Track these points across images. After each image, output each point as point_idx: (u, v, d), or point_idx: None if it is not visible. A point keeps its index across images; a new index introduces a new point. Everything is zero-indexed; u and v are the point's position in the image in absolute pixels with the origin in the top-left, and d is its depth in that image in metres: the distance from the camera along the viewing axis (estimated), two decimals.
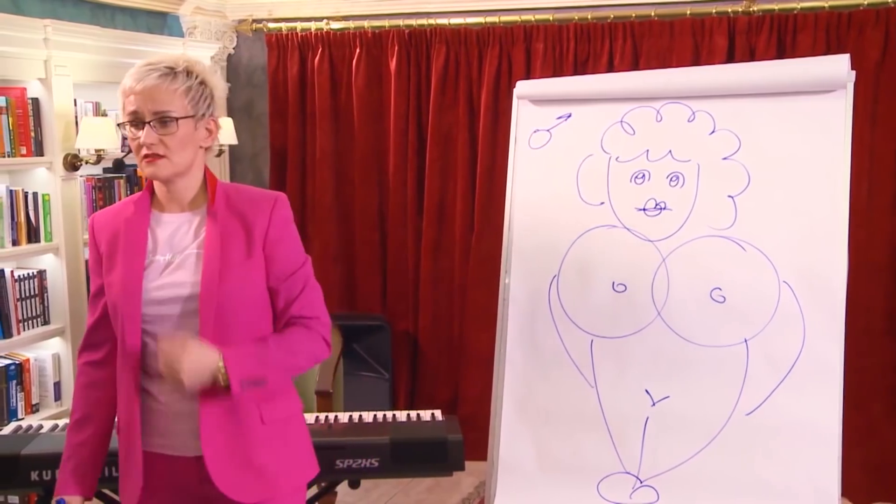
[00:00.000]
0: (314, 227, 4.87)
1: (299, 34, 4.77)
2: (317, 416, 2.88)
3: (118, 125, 1.98)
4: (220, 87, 2.02)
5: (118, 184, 4.13)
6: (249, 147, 5.08)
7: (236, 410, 1.95)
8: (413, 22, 4.61)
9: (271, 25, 4.84)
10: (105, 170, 4.13)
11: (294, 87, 4.81)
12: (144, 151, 1.91)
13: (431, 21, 4.59)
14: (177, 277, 1.95)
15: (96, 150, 3.82)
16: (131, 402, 1.96)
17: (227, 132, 4.51)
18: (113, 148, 3.91)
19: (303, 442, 2.12)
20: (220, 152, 4.66)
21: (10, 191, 3.55)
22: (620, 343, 2.78)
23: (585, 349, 2.82)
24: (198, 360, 1.85)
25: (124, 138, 2.06)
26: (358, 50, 4.68)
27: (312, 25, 4.75)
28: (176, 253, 1.97)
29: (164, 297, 1.94)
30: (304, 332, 2.03)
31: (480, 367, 4.49)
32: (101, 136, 3.75)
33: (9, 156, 3.54)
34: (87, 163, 3.82)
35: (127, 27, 4.43)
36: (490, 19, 4.52)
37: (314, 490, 3.16)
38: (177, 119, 1.90)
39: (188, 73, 1.93)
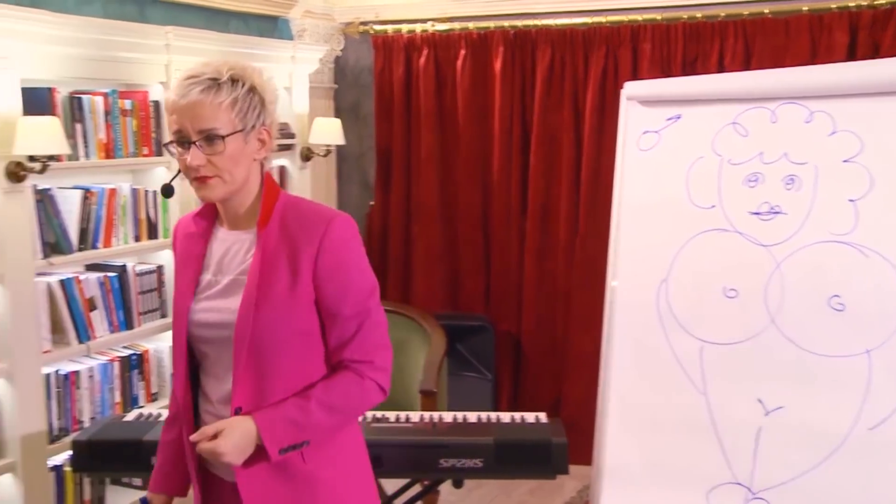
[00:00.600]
0: (419, 226, 4.91)
1: (405, 36, 4.82)
2: (421, 415, 2.90)
3: (164, 145, 1.90)
4: (270, 90, 1.86)
5: None
6: (356, 147, 5.15)
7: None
8: (518, 23, 4.60)
9: (378, 27, 4.90)
10: None
11: (400, 88, 4.86)
12: (193, 174, 1.79)
13: (537, 22, 4.57)
14: (219, 302, 1.84)
15: None
16: (186, 418, 1.92)
17: (334, 132, 4.59)
18: None
19: (355, 477, 1.93)
20: (328, 152, 4.74)
21: (134, 189, 3.71)
22: (731, 350, 2.71)
23: (695, 355, 2.76)
24: (235, 440, 1.75)
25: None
26: (463, 51, 4.70)
27: (418, 27, 4.79)
28: (224, 275, 1.86)
29: (206, 320, 1.85)
30: (355, 381, 1.84)
31: (584, 369, 4.44)
32: None
33: (132, 156, 3.68)
34: None
35: (240, 31, 4.56)
36: (596, 19, 4.48)
37: (417, 488, 3.19)
38: (224, 137, 1.75)
39: (233, 81, 1.78)
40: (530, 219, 4.67)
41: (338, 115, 5.07)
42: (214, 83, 1.76)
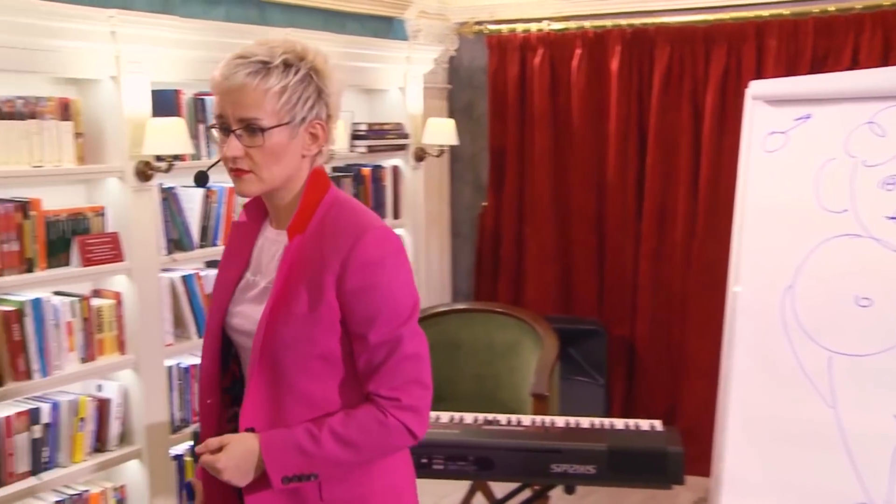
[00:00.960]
0: (531, 228, 4.88)
1: (520, 35, 4.79)
2: (533, 419, 2.88)
3: (208, 128, 1.75)
4: (333, 80, 1.64)
5: (345, 182, 4.32)
6: (469, 148, 5.16)
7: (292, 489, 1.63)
8: (636, 21, 4.52)
9: (492, 27, 4.89)
10: (334, 168, 4.34)
11: (514, 88, 4.83)
12: (230, 164, 1.62)
13: (655, 20, 4.48)
14: (251, 308, 1.68)
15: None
16: (205, 420, 1.78)
17: (448, 133, 4.60)
18: (342, 148, 4.10)
19: None
20: (441, 153, 4.76)
21: None
22: (865, 362, 2.59)
23: (822, 366, 2.65)
24: (236, 458, 1.58)
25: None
26: (578, 50, 4.64)
27: (533, 26, 4.76)
28: (262, 277, 1.70)
29: (236, 326, 1.71)
30: (377, 418, 1.62)
31: (701, 377, 4.33)
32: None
33: None
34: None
35: (355, 32, 4.62)
36: (718, 16, 4.35)
37: (527, 493, 3.16)
38: (265, 129, 1.57)
39: (286, 66, 1.57)
40: (646, 221, 4.58)
41: (451, 115, 5.08)
42: (264, 67, 1.56)
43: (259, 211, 1.76)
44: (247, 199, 1.77)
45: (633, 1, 4.56)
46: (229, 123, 1.59)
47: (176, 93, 3.46)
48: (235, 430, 1.68)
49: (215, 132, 1.64)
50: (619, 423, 2.81)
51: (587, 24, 4.63)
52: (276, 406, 1.63)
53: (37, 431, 3.03)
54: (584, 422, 2.82)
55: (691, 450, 2.78)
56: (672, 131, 4.49)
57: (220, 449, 1.61)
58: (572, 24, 4.67)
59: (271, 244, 1.70)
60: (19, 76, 3.03)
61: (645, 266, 4.59)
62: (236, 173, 1.62)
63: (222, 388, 1.77)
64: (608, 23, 4.58)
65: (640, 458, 2.59)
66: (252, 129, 1.58)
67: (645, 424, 2.79)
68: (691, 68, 4.42)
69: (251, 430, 1.64)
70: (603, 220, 4.75)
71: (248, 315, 1.68)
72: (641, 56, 4.53)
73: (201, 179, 1.83)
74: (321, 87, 1.62)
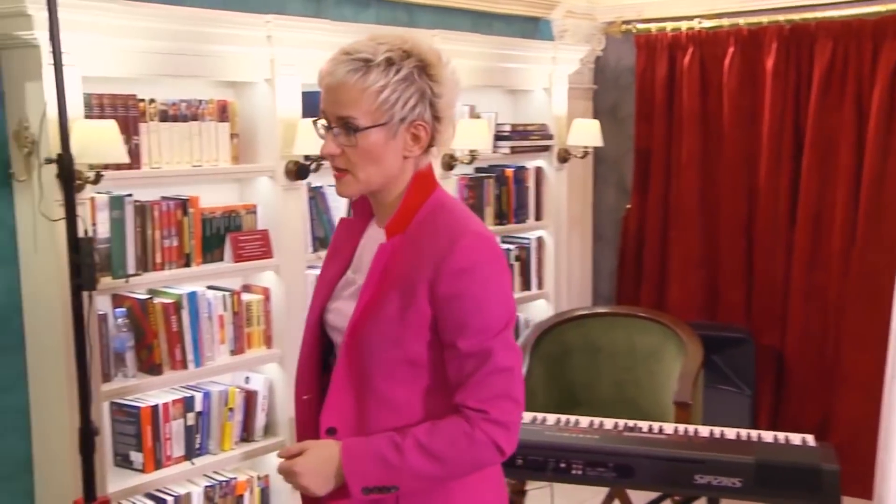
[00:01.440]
0: (676, 231, 4.79)
1: (669, 34, 4.71)
2: (675, 427, 2.84)
3: (313, 121, 1.64)
4: (444, 81, 1.57)
5: (488, 183, 4.36)
6: (614, 149, 5.11)
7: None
8: (794, 16, 4.35)
9: (640, 26, 4.83)
10: (477, 169, 4.38)
11: (662, 89, 4.76)
12: (329, 162, 1.60)
13: (816, 14, 4.29)
14: (345, 305, 1.65)
15: (470, 151, 4.06)
16: (300, 416, 1.75)
17: (593, 134, 4.57)
18: (485, 148, 4.14)
19: None
20: (585, 154, 4.74)
21: None
22: None
23: None
24: (315, 463, 1.55)
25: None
26: (731, 49, 4.52)
27: (683, 25, 4.67)
28: (359, 275, 1.66)
29: (331, 323, 1.68)
30: (465, 430, 1.55)
31: (858, 391, 4.16)
32: (476, 138, 3.98)
33: None
34: (461, 162, 4.07)
35: (503, 33, 4.65)
36: (890, 6, 4.10)
37: (668, 503, 3.12)
38: (361, 129, 1.54)
39: (389, 64, 1.53)
40: (800, 227, 4.41)
41: (596, 116, 5.04)
42: (365, 64, 1.52)
43: (366, 209, 1.72)
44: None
45: None
46: (329, 120, 1.58)
47: None
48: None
49: (320, 128, 1.62)
50: (768, 435, 2.73)
51: (741, 20, 4.50)
52: (359, 407, 1.60)
53: (190, 419, 3.20)
54: (730, 433, 2.76)
55: (845, 468, 2.67)
56: (831, 133, 4.30)
57: (299, 454, 1.58)
58: (725, 22, 4.55)
59: (374, 242, 1.65)
60: (184, 81, 3.21)
61: (797, 273, 4.42)
62: (335, 174, 1.61)
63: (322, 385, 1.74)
64: (764, 19, 4.43)
65: (790, 474, 2.51)
66: (348, 127, 1.55)
67: (796, 438, 2.71)
68: (856, 65, 4.20)
69: (332, 430, 1.61)
70: (753, 225, 4.61)
71: (342, 312, 1.65)
72: (800, 53, 4.36)
73: (303, 173, 1.82)
74: (428, 86, 1.56)
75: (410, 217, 1.60)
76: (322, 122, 1.61)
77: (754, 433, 2.75)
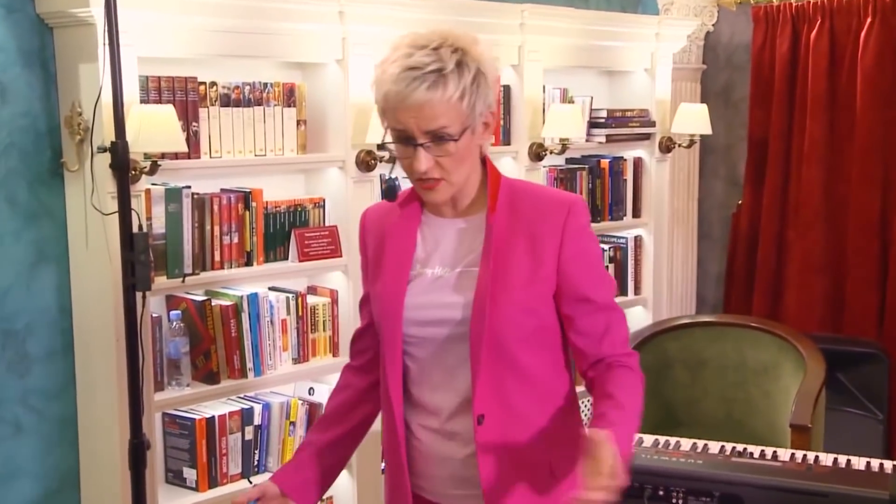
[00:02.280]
0: (795, 231, 4.72)
1: (793, 5, 4.64)
2: (792, 454, 2.80)
3: (378, 146, 1.95)
4: (492, 66, 1.79)
5: (580, 175, 4.34)
6: (723, 137, 5.05)
7: (522, 462, 1.83)
8: None
9: None
10: (568, 160, 4.37)
11: (782, 68, 4.69)
12: (419, 176, 1.78)
13: None
14: (444, 297, 1.84)
15: (561, 140, 4.05)
16: (394, 433, 1.90)
17: (700, 120, 4.52)
18: (578, 137, 4.13)
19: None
20: (692, 143, 4.68)
21: None
22: None
23: None
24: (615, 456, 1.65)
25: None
26: (869, 19, 4.41)
27: None
28: (446, 266, 1.86)
29: (427, 318, 1.85)
30: (634, 375, 1.88)
31: None
32: (568, 125, 3.97)
33: None
34: (551, 152, 4.07)
35: (600, 7, 4.64)
36: None
37: None
38: (454, 138, 1.74)
39: (460, 66, 1.72)
40: None
41: (705, 100, 4.99)
42: (440, 76, 1.71)
43: (413, 208, 1.93)
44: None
45: None
46: (414, 137, 1.74)
47: None
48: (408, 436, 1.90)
49: (394, 145, 1.80)
50: None
51: None
52: (501, 387, 1.81)
53: (249, 433, 3.26)
54: (858, 462, 2.72)
55: None
56: None
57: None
58: None
59: (454, 233, 1.88)
60: (247, 62, 3.28)
61: None
62: (427, 185, 1.79)
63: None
64: None
65: None
66: (440, 138, 1.74)
67: None
68: None
69: (481, 417, 1.79)
70: (888, 225, 4.50)
71: (441, 303, 1.84)
72: None
73: (391, 194, 2.01)
74: (487, 76, 1.77)
75: (497, 196, 1.84)
76: (388, 139, 1.81)
77: (889, 464, 2.69)
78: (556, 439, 1.86)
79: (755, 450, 2.81)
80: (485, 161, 1.88)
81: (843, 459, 2.73)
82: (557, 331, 1.88)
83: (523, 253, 1.81)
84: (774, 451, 2.81)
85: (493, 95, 1.80)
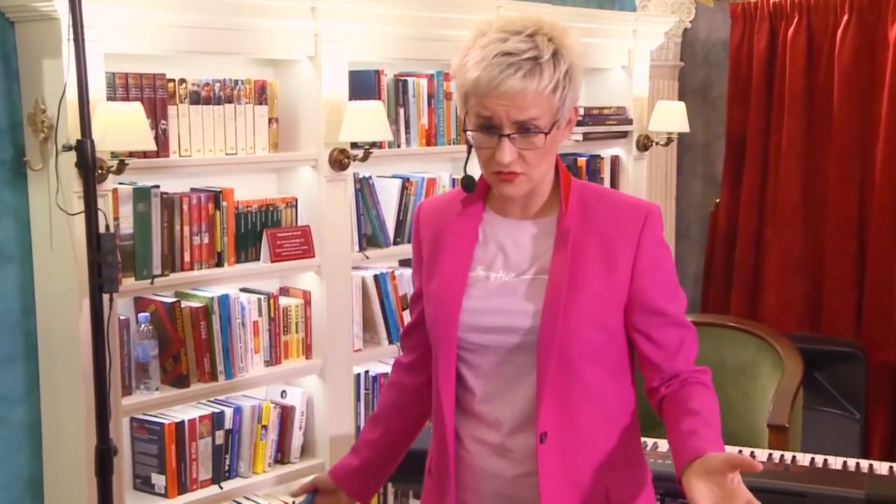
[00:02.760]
0: (773, 230, 4.75)
1: (771, 2, 4.66)
2: (770, 454, 2.81)
3: (463, 130, 1.76)
4: (579, 54, 1.70)
5: None
6: (701, 135, 5.08)
7: (580, 485, 1.76)
8: None
9: None
10: None
11: (760, 65, 4.72)
12: (499, 168, 1.70)
13: None
14: (509, 303, 1.76)
15: None
16: (443, 443, 1.83)
17: (678, 118, 4.53)
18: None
19: None
20: (669, 141, 4.70)
21: (454, 180, 3.91)
22: None
23: None
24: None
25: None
26: (846, 17, 4.44)
27: None
28: (511, 271, 1.78)
29: (489, 324, 1.77)
30: (713, 395, 1.80)
31: None
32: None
33: (454, 143, 3.88)
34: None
35: (577, 4, 4.63)
36: None
37: None
38: (544, 131, 1.67)
39: (556, 57, 1.65)
40: None
41: (682, 97, 5.01)
42: (536, 64, 1.63)
43: (476, 204, 1.84)
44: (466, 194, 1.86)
45: None
46: (501, 126, 1.66)
47: (377, 74, 3.59)
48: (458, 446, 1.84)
49: (473, 134, 1.71)
50: (882, 466, 2.69)
51: None
52: (567, 404, 1.74)
53: (219, 437, 3.23)
54: (836, 461, 2.73)
55: None
56: None
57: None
58: None
59: (519, 236, 1.80)
60: (218, 58, 3.25)
61: None
62: (508, 178, 1.71)
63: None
64: None
65: None
66: (528, 130, 1.66)
67: None
68: None
69: (544, 436, 1.73)
70: (865, 223, 4.53)
71: (507, 310, 1.76)
72: None
73: (469, 184, 1.85)
74: (576, 67, 1.70)
75: (568, 198, 1.77)
76: (472, 129, 1.71)
77: (865, 463, 2.71)
78: (616, 461, 1.80)
79: (733, 450, 2.81)
80: (558, 163, 1.80)
81: (820, 459, 2.74)
82: (625, 346, 1.80)
83: (596, 261, 1.74)
84: (752, 452, 2.83)
85: (580, 90, 1.73)
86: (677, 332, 1.80)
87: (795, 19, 4.58)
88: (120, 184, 2.99)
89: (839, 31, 4.47)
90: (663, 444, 2.88)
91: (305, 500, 1.99)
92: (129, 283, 2.99)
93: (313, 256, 3.42)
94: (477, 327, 1.77)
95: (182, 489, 3.15)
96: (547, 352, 1.71)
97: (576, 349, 1.72)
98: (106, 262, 2.59)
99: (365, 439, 2.03)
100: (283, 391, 3.47)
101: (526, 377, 1.75)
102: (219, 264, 3.24)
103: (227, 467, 3.27)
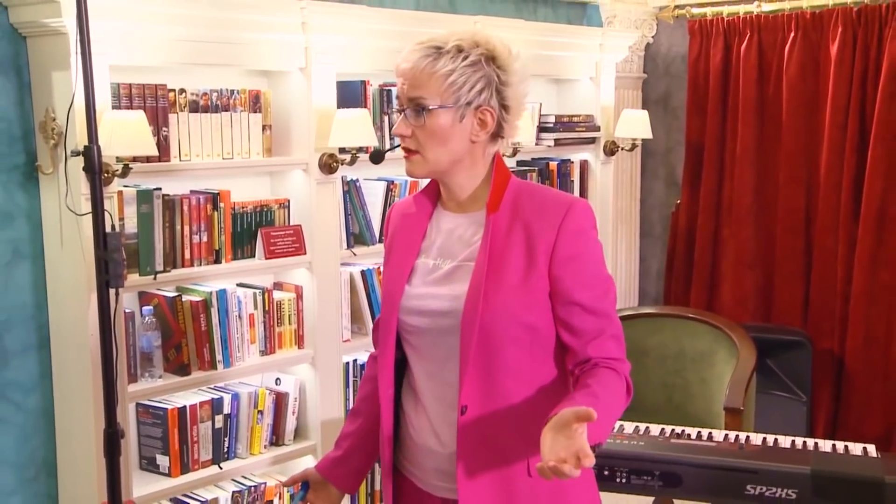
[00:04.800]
0: (729, 229, 4.76)
1: (725, 19, 4.67)
2: (726, 435, 2.82)
3: (395, 111, 1.82)
4: (512, 71, 1.74)
5: (530, 176, 4.35)
6: (663, 141, 5.08)
7: (501, 458, 1.75)
8: None
9: (695, 11, 4.79)
10: (518, 162, 4.38)
11: (716, 77, 4.73)
12: (400, 143, 1.78)
13: None
14: (440, 288, 1.79)
15: (512, 143, 4.05)
16: (386, 414, 1.86)
17: (641, 125, 4.55)
18: (527, 141, 4.13)
19: (584, 499, 1.84)
20: (634, 146, 4.71)
21: None
22: None
23: None
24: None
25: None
26: (792, 34, 4.47)
27: (741, 9, 4.62)
28: (446, 259, 1.81)
29: (423, 308, 1.79)
30: (616, 376, 1.74)
31: None
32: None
33: None
34: (503, 156, 4.06)
35: (548, 19, 4.65)
36: None
37: None
38: (429, 109, 1.71)
39: (458, 51, 1.70)
40: (863, 224, 4.34)
41: (645, 106, 5.02)
42: (436, 51, 1.71)
43: (429, 200, 1.88)
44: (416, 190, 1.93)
45: None
46: (402, 103, 1.75)
47: (363, 84, 3.60)
48: (401, 419, 1.86)
49: (395, 112, 1.80)
50: (826, 444, 2.71)
51: (804, 3, 4.43)
52: (489, 381, 1.73)
53: (219, 421, 3.23)
54: (785, 441, 2.75)
55: None
56: None
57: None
58: (786, 5, 4.49)
59: (455, 227, 1.82)
60: (215, 70, 3.25)
61: (860, 273, 4.36)
62: (405, 154, 1.78)
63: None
64: (829, 1, 4.36)
65: (850, 486, 2.49)
66: (418, 108, 1.72)
67: (856, 448, 2.68)
68: None
69: (464, 409, 1.73)
70: (812, 222, 4.56)
71: (438, 295, 1.78)
72: (868, 38, 4.28)
73: (377, 158, 1.98)
74: (496, 74, 1.73)
75: (502, 195, 1.77)
76: (398, 106, 1.79)
77: (811, 442, 2.73)
78: (537, 438, 1.68)
79: (692, 431, 2.84)
80: (494, 161, 1.81)
81: (770, 438, 2.76)
82: (551, 329, 1.77)
83: (519, 251, 1.73)
84: (710, 433, 2.83)
85: (497, 99, 1.73)
86: (595, 321, 1.75)
87: (747, 35, 4.60)
88: (125, 186, 2.98)
89: (787, 47, 4.49)
90: (629, 427, 2.90)
91: (299, 495, 1.97)
92: (133, 278, 2.98)
93: (304, 253, 3.42)
94: (413, 310, 1.80)
95: (184, 469, 3.15)
96: (469, 333, 1.72)
97: (496, 331, 1.71)
98: (112, 259, 2.58)
99: (345, 432, 2.03)
100: (278, 379, 3.47)
101: (453, 357, 1.76)
102: (217, 261, 3.24)
103: (225, 449, 3.27)
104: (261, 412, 3.36)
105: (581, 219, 1.75)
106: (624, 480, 2.65)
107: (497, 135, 1.78)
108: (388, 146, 3.56)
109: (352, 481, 2.03)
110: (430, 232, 1.86)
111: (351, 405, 3.62)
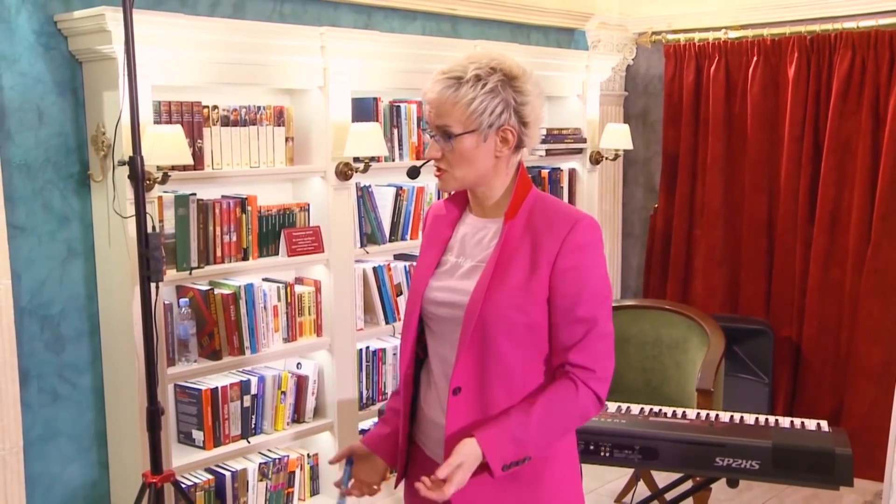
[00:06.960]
0: (701, 230, 4.77)
1: (697, 44, 4.69)
2: (698, 413, 2.84)
3: (424, 130, 1.91)
4: (527, 92, 1.73)
5: None
6: (643, 152, 5.10)
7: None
8: (816, 27, 4.32)
9: (670, 37, 4.81)
10: None
11: (689, 96, 4.74)
12: (431, 163, 1.79)
13: (837, 25, 4.26)
14: (457, 283, 1.79)
15: None
16: (405, 389, 1.87)
17: (623, 138, 4.58)
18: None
19: (562, 483, 1.82)
20: (616, 156, 4.74)
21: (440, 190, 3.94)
22: None
23: None
24: (467, 472, 1.65)
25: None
26: (755, 58, 4.50)
27: (710, 35, 4.64)
28: (466, 258, 1.82)
29: (440, 299, 1.80)
30: (574, 394, 1.72)
31: (870, 381, 4.13)
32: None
33: None
34: None
35: (539, 43, 4.67)
36: None
37: (689, 484, 3.13)
38: (455, 135, 1.71)
39: (477, 80, 1.69)
40: (818, 226, 4.37)
41: (626, 121, 5.04)
42: (457, 82, 1.69)
43: (458, 204, 1.89)
44: (447, 193, 1.92)
45: (815, 7, 4.36)
46: (431, 129, 1.76)
47: (375, 100, 3.63)
48: (417, 395, 1.87)
49: (427, 136, 1.81)
50: (785, 421, 2.71)
51: (765, 31, 4.47)
52: (482, 368, 1.73)
53: (247, 401, 3.26)
54: (749, 418, 2.75)
55: (857, 452, 2.65)
56: (849, 137, 4.26)
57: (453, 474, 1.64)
58: (750, 33, 4.52)
59: (477, 230, 1.82)
60: (244, 88, 3.28)
61: (815, 270, 4.39)
62: (437, 173, 1.78)
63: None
64: (787, 30, 4.40)
65: (806, 457, 2.50)
66: (445, 134, 1.72)
67: (811, 424, 2.69)
68: (873, 73, 4.16)
69: (458, 389, 1.73)
70: (773, 224, 4.58)
71: (454, 288, 1.78)
72: (820, 62, 4.32)
73: (413, 173, 1.98)
74: (513, 96, 1.71)
75: (520, 204, 1.76)
76: (429, 131, 1.79)
77: (771, 419, 2.73)
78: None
79: (668, 410, 2.85)
80: (519, 173, 1.79)
81: (737, 416, 2.77)
82: (541, 331, 1.74)
83: (525, 259, 1.72)
84: (684, 412, 2.83)
85: (516, 118, 1.71)
86: (582, 329, 1.72)
87: (716, 59, 4.62)
88: (164, 192, 3.01)
89: (750, 69, 4.51)
90: (612, 406, 2.92)
91: (345, 471, 1.90)
92: (171, 273, 3.01)
93: (323, 252, 3.45)
94: (433, 301, 1.81)
95: (217, 443, 3.19)
96: (468, 323, 1.72)
97: (492, 325, 1.71)
98: (153, 256, 2.62)
99: (391, 407, 1.96)
100: (299, 363, 3.50)
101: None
102: (245, 258, 3.27)
103: (253, 425, 3.30)
104: (284, 393, 3.38)
105: (584, 234, 1.72)
106: (607, 454, 2.67)
107: (519, 146, 1.77)
108: (418, 161, 3.53)
109: (397, 456, 1.95)
110: (456, 233, 1.86)
111: (364, 387, 3.66)
